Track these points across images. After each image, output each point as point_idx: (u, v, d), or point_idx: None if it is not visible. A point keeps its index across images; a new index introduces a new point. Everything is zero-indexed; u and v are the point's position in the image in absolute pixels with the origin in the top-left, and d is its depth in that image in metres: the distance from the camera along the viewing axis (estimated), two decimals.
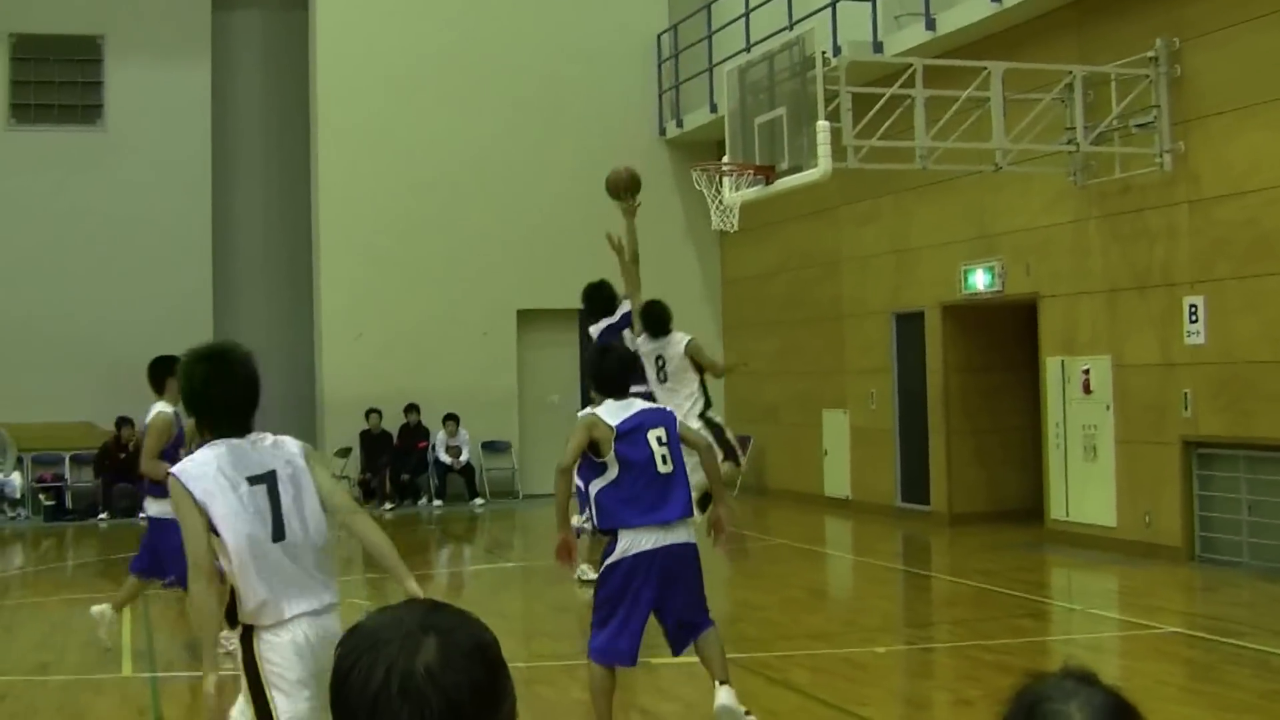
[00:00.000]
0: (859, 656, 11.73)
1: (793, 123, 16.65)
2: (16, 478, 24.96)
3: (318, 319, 26.50)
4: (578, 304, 27.04)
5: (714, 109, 24.31)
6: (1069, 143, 17.07)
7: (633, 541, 8.52)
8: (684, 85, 26.46)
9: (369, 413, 25.72)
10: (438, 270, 25.96)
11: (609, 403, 8.81)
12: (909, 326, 21.46)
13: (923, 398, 21.02)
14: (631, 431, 8.62)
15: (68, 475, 25.48)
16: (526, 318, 26.63)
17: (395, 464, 25.66)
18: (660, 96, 27.22)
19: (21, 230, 25.99)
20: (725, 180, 17.95)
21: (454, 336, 25.84)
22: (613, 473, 8.64)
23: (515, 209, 26.29)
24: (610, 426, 8.63)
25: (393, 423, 25.88)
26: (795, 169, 16.70)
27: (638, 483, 8.55)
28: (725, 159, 18.13)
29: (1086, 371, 17.58)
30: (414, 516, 24.52)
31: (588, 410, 9.02)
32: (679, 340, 15.34)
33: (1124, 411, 17.07)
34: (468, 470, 25.90)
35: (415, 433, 26.00)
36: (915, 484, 21.33)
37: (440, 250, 25.98)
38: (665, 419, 8.84)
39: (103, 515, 24.37)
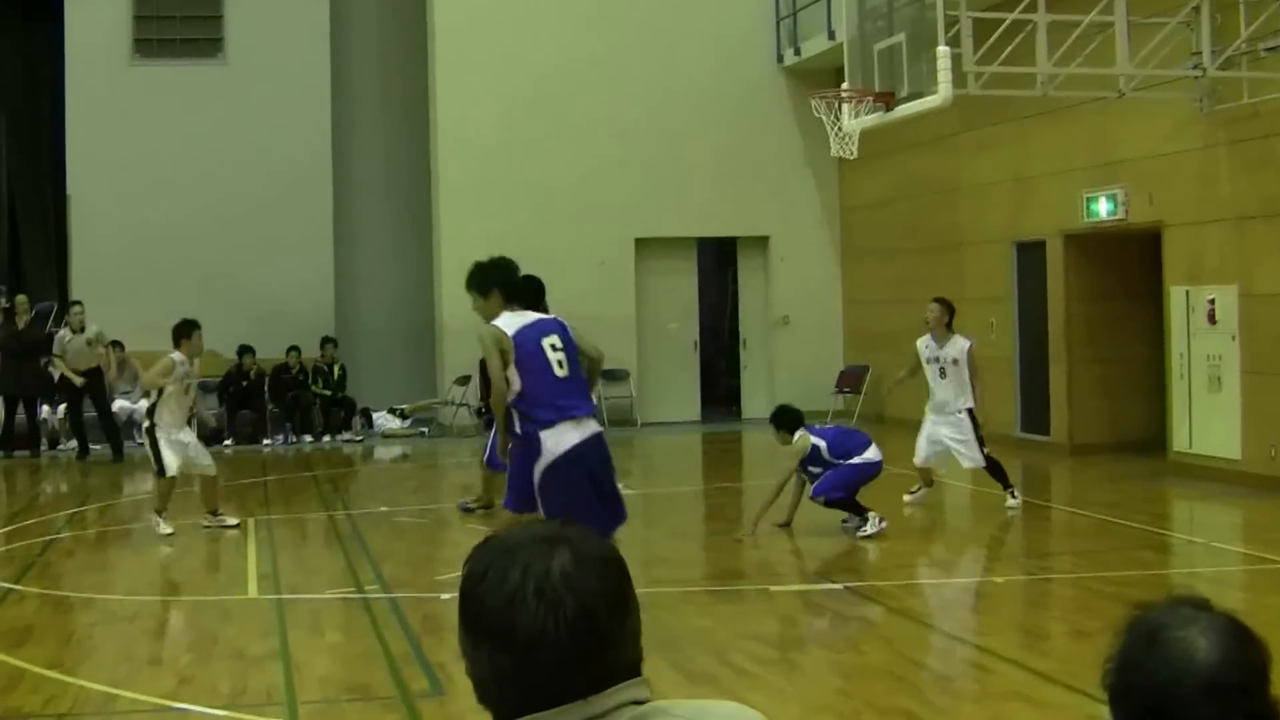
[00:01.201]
0: (978, 586, 11.71)
1: (912, 49, 16.53)
2: (144, 404, 25.26)
3: (436, 247, 26.63)
4: (695, 232, 27.25)
5: (832, 36, 24.09)
6: (1195, 68, 16.77)
7: None
8: (802, 12, 26.23)
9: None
10: (555, 198, 25.98)
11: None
12: (1029, 255, 21.25)
13: (1043, 327, 20.84)
14: None
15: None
16: (645, 246, 26.62)
17: None
18: (778, 24, 27.02)
19: (144, 163, 26.28)
20: (844, 107, 17.85)
21: (571, 264, 25.83)
22: None
23: (633, 137, 26.24)
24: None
25: None
26: (915, 95, 16.58)
27: None
28: (844, 86, 18.02)
29: (1211, 301, 17.35)
30: None
31: None
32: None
33: (1250, 342, 16.83)
34: None
35: None
36: (1035, 414, 21.17)
37: (558, 178, 25.99)
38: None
39: (227, 441, 24.70)
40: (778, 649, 9.80)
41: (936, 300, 16.18)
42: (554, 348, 9.50)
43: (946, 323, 15.99)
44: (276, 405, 25.55)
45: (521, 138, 25.98)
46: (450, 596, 11.29)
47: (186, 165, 26.28)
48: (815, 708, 7.93)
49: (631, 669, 2.31)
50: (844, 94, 17.88)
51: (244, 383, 25.15)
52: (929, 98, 16.22)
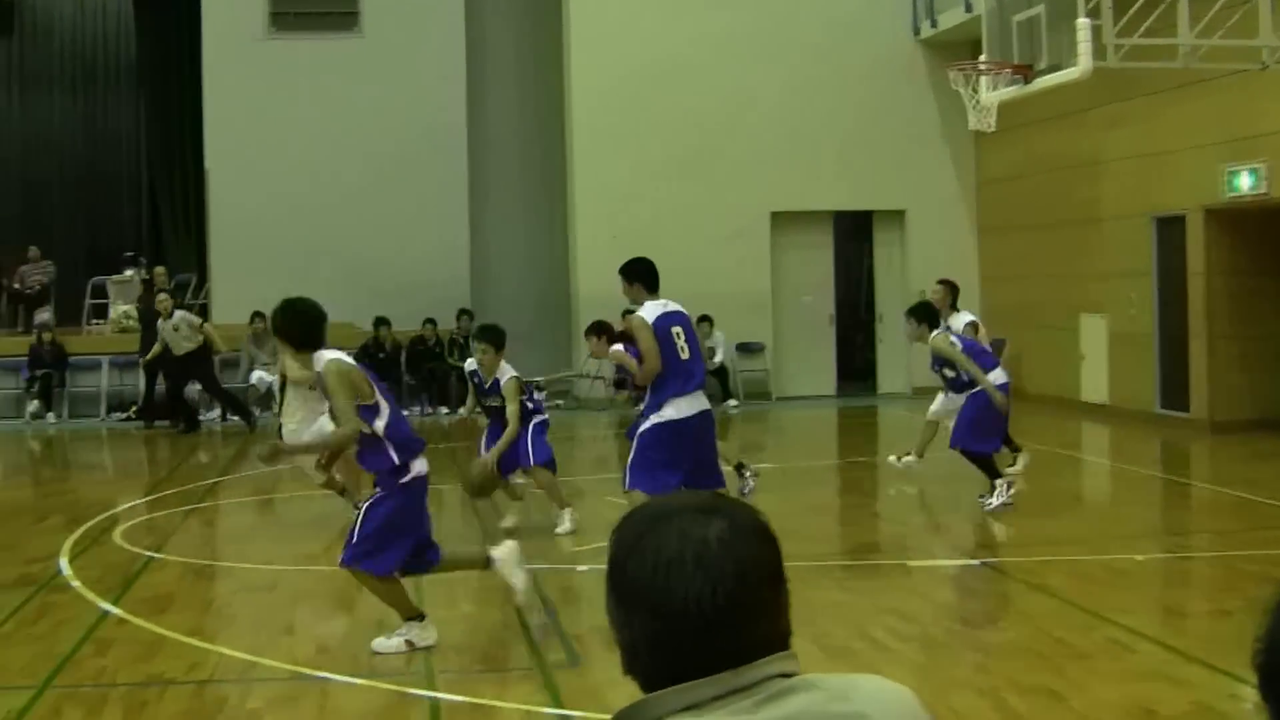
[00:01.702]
0: (1118, 563, 11.56)
1: (1052, 20, 16.34)
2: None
3: (571, 218, 26.70)
4: (832, 206, 27.11)
5: (969, 8, 23.85)
6: None
7: None
8: None
9: (624, 313, 25.83)
10: (691, 172, 25.95)
11: None
12: (1169, 230, 20.96)
13: (1183, 302, 20.54)
14: None
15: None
16: (780, 219, 26.53)
17: None
18: None
19: (281, 137, 26.57)
20: (982, 80, 17.69)
21: (707, 238, 25.82)
22: None
23: (769, 111, 26.16)
24: None
25: None
26: (1054, 68, 16.40)
27: None
28: (983, 58, 17.86)
29: None
30: None
31: None
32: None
33: None
34: (721, 372, 25.99)
35: None
36: (1175, 390, 20.89)
37: (693, 152, 25.96)
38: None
39: None
40: (916, 624, 9.74)
41: (940, 281, 16.06)
42: (679, 335, 10.92)
43: (951, 303, 15.98)
44: (413, 377, 25.79)
45: (656, 111, 25.97)
46: (586, 569, 11.37)
47: (322, 138, 26.53)
48: (954, 684, 7.88)
49: (782, 641, 2.29)
50: (982, 66, 17.72)
51: (380, 354, 25.34)
52: (1068, 70, 16.05)
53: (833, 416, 24.85)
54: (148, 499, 16.53)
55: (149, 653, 9.17)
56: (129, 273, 28.73)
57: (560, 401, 25.75)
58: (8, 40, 33.46)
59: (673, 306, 11.19)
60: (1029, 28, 16.80)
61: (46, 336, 25.72)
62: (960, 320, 15.71)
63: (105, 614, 10.28)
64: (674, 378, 10.84)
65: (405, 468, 9.11)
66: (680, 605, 2.20)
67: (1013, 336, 24.59)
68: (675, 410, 10.76)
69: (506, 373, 13.37)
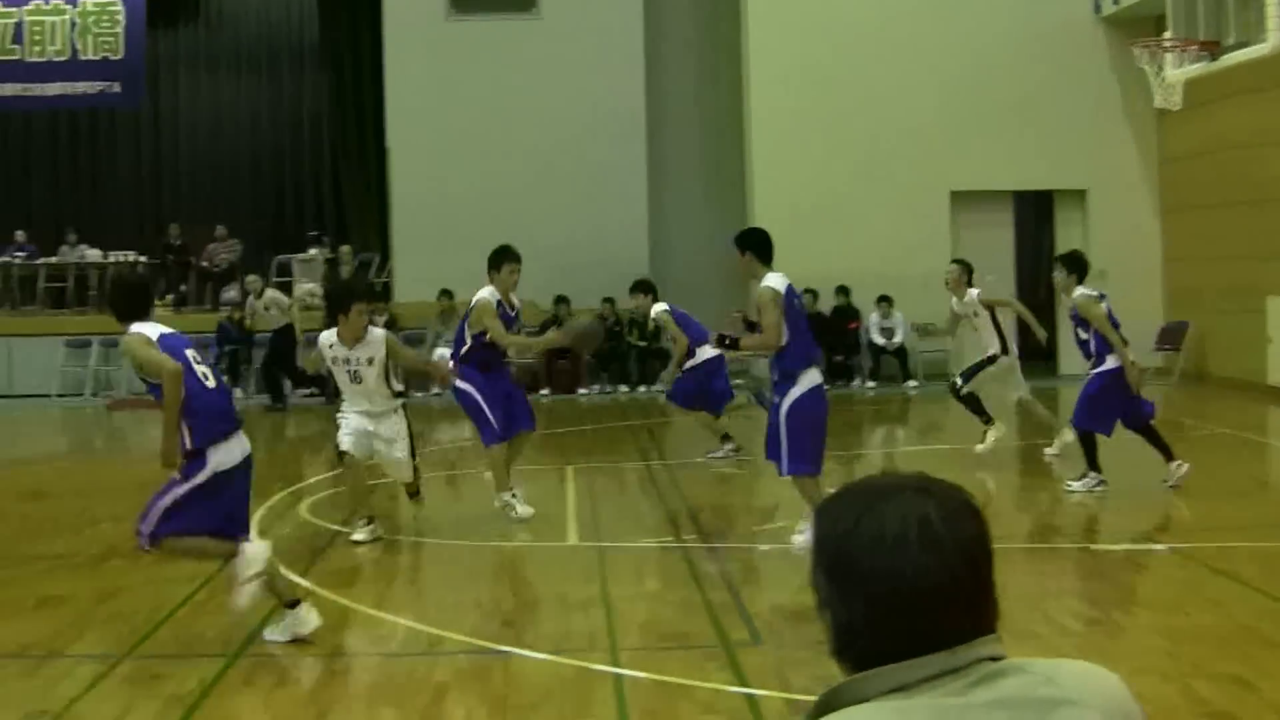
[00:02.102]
0: None
1: None
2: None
3: (750, 197, 26.68)
4: (1011, 185, 26.83)
5: None
6: None
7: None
8: None
9: (804, 292, 25.81)
10: (868, 149, 25.86)
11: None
12: None
13: None
14: None
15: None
16: (960, 199, 26.33)
17: (829, 346, 25.76)
18: None
19: (461, 117, 26.84)
20: (1168, 57, 17.42)
21: (885, 217, 25.71)
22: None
23: (948, 89, 25.97)
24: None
25: (825, 304, 25.97)
26: (1241, 44, 16.11)
27: None
28: (1168, 34, 17.58)
29: None
30: (847, 397, 24.54)
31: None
32: None
33: None
34: (901, 352, 25.86)
35: (846, 314, 26.07)
36: None
37: (871, 131, 25.85)
38: None
39: (544, 391, 25.14)
40: (1099, 608, 9.65)
41: (955, 261, 16.34)
42: (801, 307, 11.40)
43: (966, 281, 16.29)
44: (593, 355, 25.96)
45: (835, 90, 25.90)
46: (769, 548, 11.39)
47: (501, 119, 26.77)
48: (1141, 669, 7.79)
49: (991, 623, 2.31)
50: (1168, 43, 17.46)
51: None
52: (1257, 45, 15.77)
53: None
54: (333, 474, 16.80)
55: (337, 624, 9.34)
56: (313, 251, 29.25)
57: (739, 380, 25.76)
58: (195, 26, 34.17)
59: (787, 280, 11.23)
60: (1215, 3, 16.52)
61: (235, 315, 26.23)
62: (970, 296, 16.05)
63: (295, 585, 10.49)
64: (807, 348, 11.14)
65: (199, 454, 8.67)
66: (909, 585, 2.21)
67: (1196, 319, 24.24)
68: (811, 380, 10.97)
69: (657, 308, 14.69)
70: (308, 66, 33.90)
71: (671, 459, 17.38)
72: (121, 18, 30.33)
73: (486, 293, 13.17)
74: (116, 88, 31.25)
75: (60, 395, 26.29)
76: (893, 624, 2.23)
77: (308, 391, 25.31)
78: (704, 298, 26.60)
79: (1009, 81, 25.81)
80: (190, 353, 8.79)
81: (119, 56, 31.01)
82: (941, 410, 23.43)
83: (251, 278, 24.51)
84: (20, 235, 31.40)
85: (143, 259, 29.96)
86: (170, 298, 29.56)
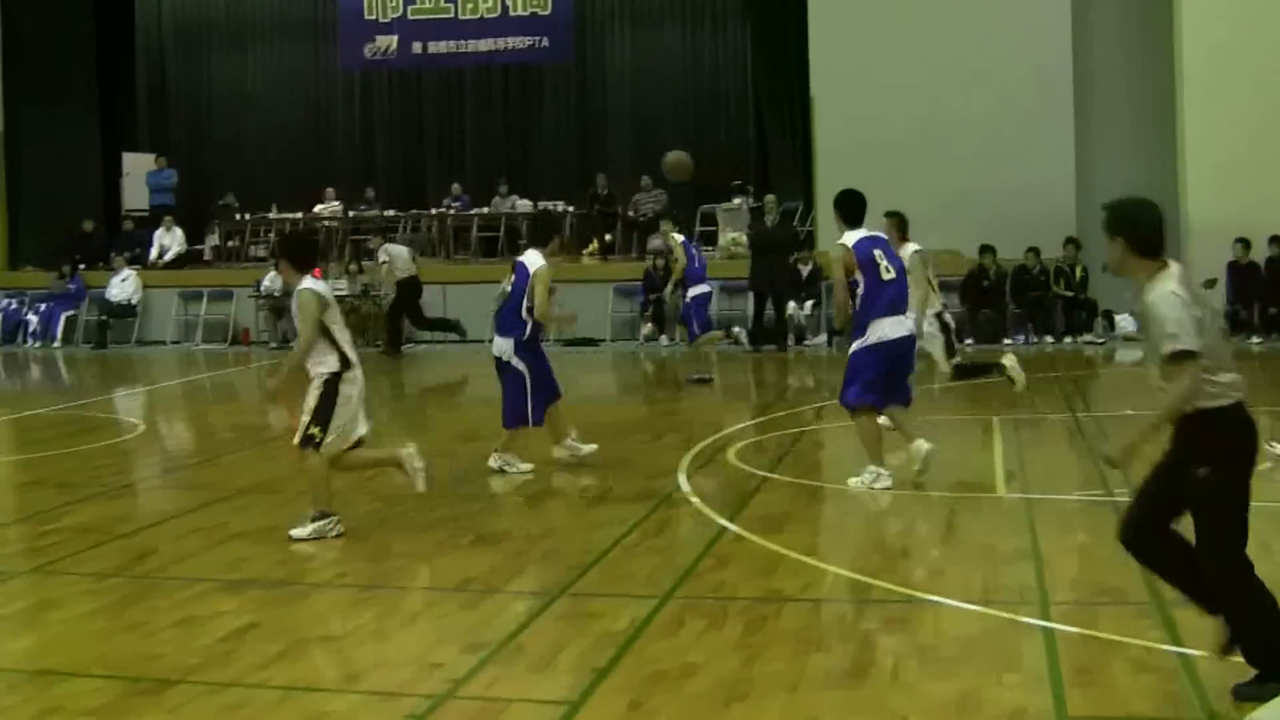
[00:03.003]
0: None
1: None
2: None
3: (1180, 146, 25.82)
4: None
5: None
6: None
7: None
8: None
9: (1236, 242, 24.95)
10: None
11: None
12: None
13: None
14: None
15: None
16: None
17: (1264, 297, 24.82)
18: None
19: (885, 66, 26.59)
20: None
21: None
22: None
23: None
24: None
25: (1260, 254, 25.02)
26: None
27: None
28: None
29: None
30: None
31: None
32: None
33: None
34: None
35: None
36: None
37: None
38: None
39: (968, 340, 24.88)
40: None
41: (888, 213, 15.16)
42: (880, 258, 12.07)
43: (900, 235, 15.08)
44: (1017, 305, 25.58)
45: (1266, 32, 24.85)
46: None
47: (925, 66, 26.45)
48: None
49: None
50: None
51: (985, 283, 25.26)
52: None
53: None
54: (757, 420, 16.95)
55: (766, 569, 9.41)
56: (737, 201, 29.50)
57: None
58: None
59: (866, 233, 12.16)
60: None
61: (659, 263, 26.61)
62: (907, 251, 14.71)
63: (723, 530, 10.62)
64: (878, 303, 11.94)
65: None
66: None
67: None
68: (878, 333, 11.94)
69: (909, 248, 14.82)
70: (730, 17, 34.13)
71: (1099, 411, 16.98)
72: None
73: (544, 263, 13.09)
74: (546, 42, 32.07)
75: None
76: None
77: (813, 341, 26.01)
78: None
79: None
80: None
81: (547, 12, 31.79)
82: None
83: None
84: (456, 188, 32.55)
85: (570, 209, 30.66)
86: (595, 246, 30.19)
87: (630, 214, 30.82)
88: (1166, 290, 6.62)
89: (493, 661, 7.61)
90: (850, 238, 12.03)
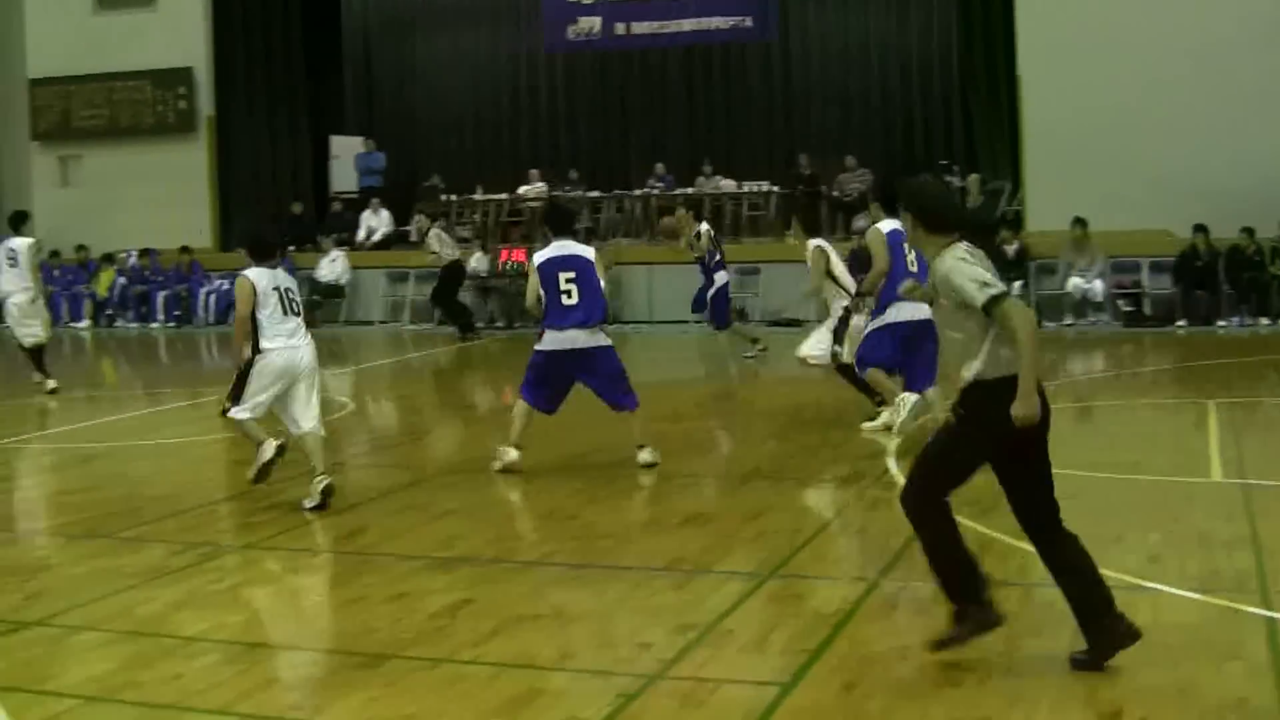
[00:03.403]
0: None
1: None
2: (1099, 284, 25.46)
3: None
4: None
5: None
6: None
7: None
8: None
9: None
10: None
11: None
12: None
13: None
14: None
15: (1145, 282, 25.68)
16: None
17: None
18: None
19: (1093, 43, 26.18)
20: None
21: None
22: None
23: None
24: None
25: None
26: None
27: None
28: None
29: None
30: None
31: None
32: None
33: None
34: None
35: None
36: None
37: None
38: None
39: (1180, 322, 24.43)
40: None
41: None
42: (908, 248, 12.98)
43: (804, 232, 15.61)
44: (1231, 286, 25.04)
45: None
46: None
47: (1136, 45, 25.97)
48: None
49: None
50: None
51: (1197, 263, 24.76)
52: None
53: None
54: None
55: (977, 553, 9.29)
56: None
57: None
58: None
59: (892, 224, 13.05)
60: None
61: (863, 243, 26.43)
62: (810, 245, 15.12)
63: None
64: (893, 285, 12.70)
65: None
66: None
67: None
68: (894, 314, 13.27)
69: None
70: None
71: None
72: None
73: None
74: (749, 22, 32.00)
75: (697, 322, 26.95)
76: None
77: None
78: None
79: None
80: None
81: None
82: None
83: (419, 218, 24.94)
84: (660, 168, 32.60)
85: (775, 188, 30.56)
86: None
87: (836, 194, 30.67)
88: (956, 257, 6.92)
89: (703, 642, 7.59)
90: (886, 225, 13.40)
